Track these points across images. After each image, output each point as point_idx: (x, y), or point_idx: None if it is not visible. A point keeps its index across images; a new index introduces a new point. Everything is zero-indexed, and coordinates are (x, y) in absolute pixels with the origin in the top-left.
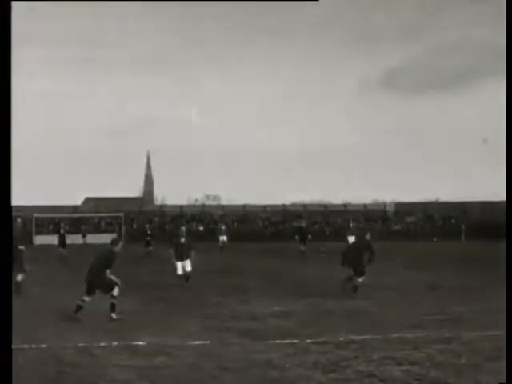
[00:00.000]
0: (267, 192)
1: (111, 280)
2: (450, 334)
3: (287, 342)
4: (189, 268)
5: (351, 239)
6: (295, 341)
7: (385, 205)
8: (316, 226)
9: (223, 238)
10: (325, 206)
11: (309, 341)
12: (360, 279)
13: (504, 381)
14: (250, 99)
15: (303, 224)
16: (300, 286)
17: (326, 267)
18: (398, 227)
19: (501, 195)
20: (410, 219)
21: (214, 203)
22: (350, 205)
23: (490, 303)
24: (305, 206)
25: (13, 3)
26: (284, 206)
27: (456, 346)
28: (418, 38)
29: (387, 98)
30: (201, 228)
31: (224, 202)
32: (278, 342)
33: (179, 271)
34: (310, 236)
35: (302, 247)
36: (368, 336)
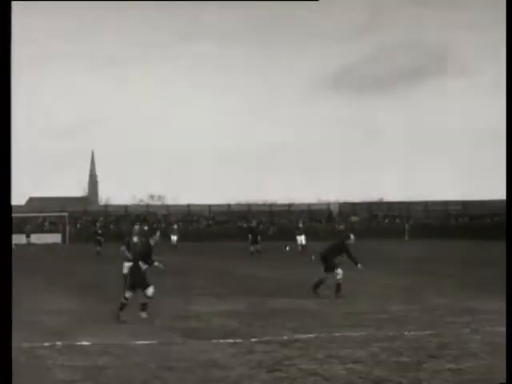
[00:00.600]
0: (212, 192)
1: (146, 277)
2: (393, 333)
3: (231, 341)
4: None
5: (300, 238)
6: (239, 340)
7: (329, 205)
8: (260, 226)
9: (175, 237)
10: (269, 205)
11: (253, 340)
12: (338, 275)
13: (504, 380)
14: (199, 100)
15: (254, 224)
16: (245, 285)
17: (272, 266)
18: (342, 227)
19: (443, 195)
20: (354, 219)
21: (159, 203)
22: (294, 205)
23: (431, 301)
24: (249, 205)
25: (13, 3)
26: (229, 205)
27: (399, 344)
28: (367, 38)
29: (335, 97)
30: (145, 228)
31: (168, 201)
32: (222, 341)
33: (125, 270)
34: (259, 237)
35: (253, 248)
36: (312, 335)
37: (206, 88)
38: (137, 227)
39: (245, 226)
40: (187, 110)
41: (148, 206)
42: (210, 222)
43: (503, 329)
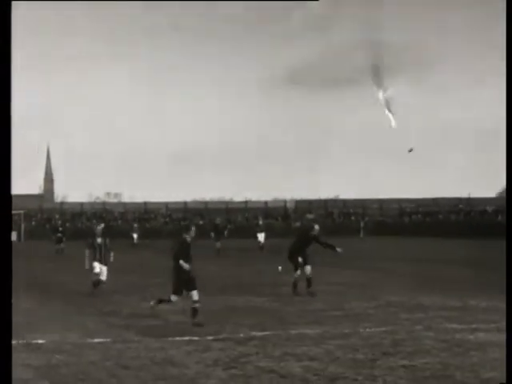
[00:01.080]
0: (169, 189)
1: (191, 277)
2: (348, 330)
3: (187, 339)
4: (104, 277)
5: (260, 236)
6: (196, 338)
7: (285, 202)
8: (227, 224)
9: (135, 235)
10: (226, 203)
11: (209, 338)
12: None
13: (504, 380)
14: (158, 97)
15: (218, 221)
16: (202, 282)
17: (230, 264)
18: (298, 224)
19: (397, 193)
20: (309, 216)
21: (115, 201)
22: (250, 202)
23: (386, 298)
24: (206, 203)
25: (13, 3)
26: (185, 203)
27: (354, 341)
28: (321, 37)
29: (291, 95)
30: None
31: (125, 199)
32: (178, 339)
33: (97, 270)
34: (226, 233)
35: (218, 244)
36: (269, 332)
37: (165, 85)
38: (99, 228)
39: (201, 223)
40: (144, 107)
41: (104, 203)
42: (167, 219)
43: (456, 325)
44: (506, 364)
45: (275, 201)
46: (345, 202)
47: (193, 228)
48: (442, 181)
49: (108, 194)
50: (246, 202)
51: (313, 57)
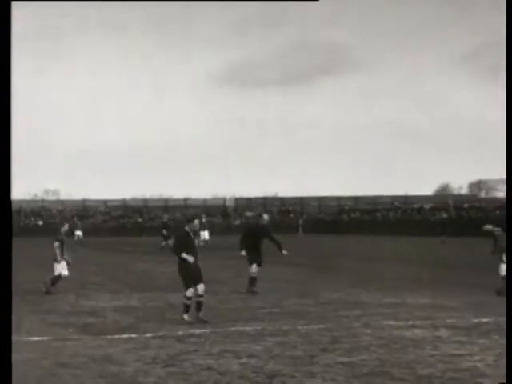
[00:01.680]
0: (108, 187)
1: (197, 270)
2: (287, 327)
3: (126, 336)
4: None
5: (203, 234)
6: (134, 335)
7: (225, 200)
8: (156, 221)
9: (79, 232)
10: (165, 200)
11: (148, 335)
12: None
13: (505, 380)
14: (94, 94)
15: (165, 219)
16: (141, 280)
17: (170, 261)
18: (237, 222)
19: (336, 190)
20: (249, 214)
21: (54, 198)
22: (190, 199)
23: (325, 296)
24: (145, 200)
25: (13, 3)
26: (124, 200)
27: (292, 338)
28: (266, 35)
29: (232, 92)
30: (40, 223)
31: (63, 196)
32: (117, 336)
33: (62, 269)
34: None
35: (164, 243)
36: (207, 330)
37: (102, 86)
38: (66, 226)
39: (140, 220)
40: (81, 104)
41: (43, 200)
42: (107, 217)
43: (393, 322)
44: (506, 364)
45: (214, 198)
46: (283, 199)
47: (196, 221)
48: (380, 179)
49: (46, 191)
50: (185, 200)
51: (252, 55)
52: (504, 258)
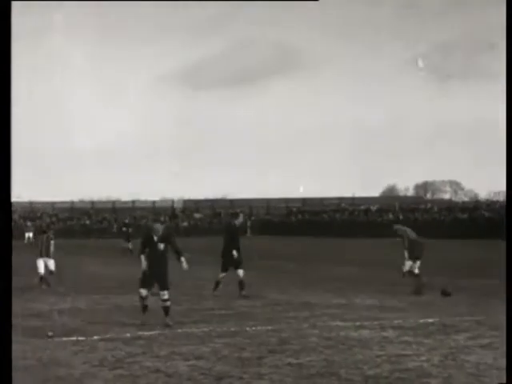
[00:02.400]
0: (55, 189)
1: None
2: (235, 328)
3: (73, 339)
4: (52, 268)
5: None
6: (82, 338)
7: (173, 201)
8: (104, 223)
9: (30, 234)
10: (113, 202)
11: (96, 338)
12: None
13: (504, 381)
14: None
15: (128, 221)
16: (88, 282)
17: (117, 263)
18: (185, 224)
19: (284, 192)
20: (197, 216)
21: None
22: (138, 201)
23: (273, 297)
24: (93, 202)
25: (13, 3)
26: (72, 202)
27: (240, 339)
28: (215, 36)
29: (181, 93)
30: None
31: (12, 198)
32: (64, 339)
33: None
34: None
35: (127, 245)
36: (155, 332)
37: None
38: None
39: (87, 222)
40: (27, 104)
41: None
42: (54, 219)
43: (340, 323)
44: (506, 364)
45: (163, 200)
46: (232, 201)
47: (241, 215)
48: (327, 180)
49: None
50: (133, 202)
51: (201, 56)
52: (407, 255)
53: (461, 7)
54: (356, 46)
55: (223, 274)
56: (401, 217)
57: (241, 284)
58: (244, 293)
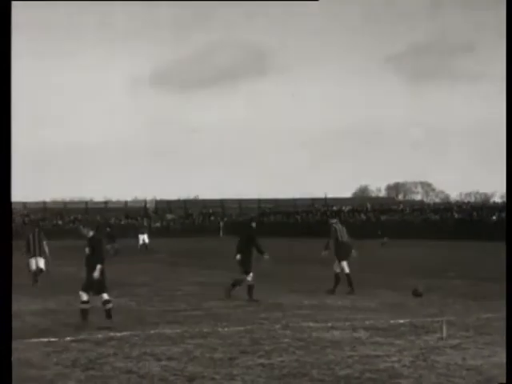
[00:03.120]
0: (27, 189)
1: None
2: (207, 329)
3: (46, 340)
4: (42, 266)
5: (143, 237)
6: (54, 339)
7: (145, 202)
8: (76, 224)
9: None
10: (85, 202)
11: (68, 339)
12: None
13: (505, 381)
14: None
15: (112, 221)
16: (60, 283)
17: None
18: (158, 224)
19: (257, 193)
20: (169, 216)
21: None
22: (110, 202)
23: (245, 298)
24: (65, 203)
25: (13, 3)
26: (44, 203)
27: (213, 340)
28: (187, 37)
29: (154, 94)
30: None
31: None
32: (36, 340)
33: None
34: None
35: (116, 245)
36: (127, 333)
37: (22, 82)
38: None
39: (60, 223)
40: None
41: None
42: (26, 219)
43: (312, 324)
44: (506, 364)
45: (135, 201)
46: (204, 202)
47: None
48: (299, 182)
49: None
50: (105, 202)
51: (175, 58)
52: (334, 255)
53: (436, 9)
54: (329, 48)
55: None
56: (372, 217)
57: (250, 288)
58: (254, 297)
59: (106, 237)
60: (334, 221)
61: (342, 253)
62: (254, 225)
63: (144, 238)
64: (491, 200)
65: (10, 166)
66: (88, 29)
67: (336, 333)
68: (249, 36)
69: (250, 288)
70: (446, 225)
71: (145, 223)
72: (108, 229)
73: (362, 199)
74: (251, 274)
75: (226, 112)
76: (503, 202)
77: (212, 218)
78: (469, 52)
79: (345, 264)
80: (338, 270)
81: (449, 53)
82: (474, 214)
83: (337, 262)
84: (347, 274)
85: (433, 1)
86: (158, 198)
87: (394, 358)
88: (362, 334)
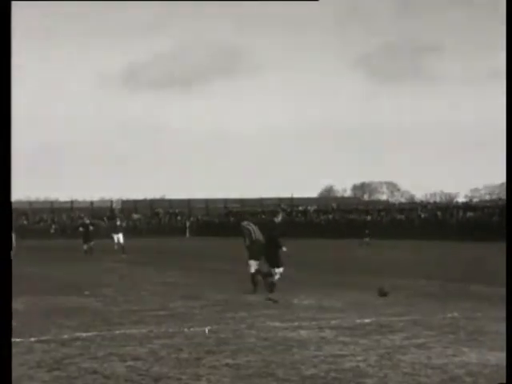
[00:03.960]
0: None
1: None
2: (173, 329)
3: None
4: None
5: (117, 237)
6: (18, 340)
7: (111, 202)
8: (41, 224)
9: None
10: (51, 203)
11: (33, 339)
12: (277, 271)
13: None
14: None
15: (87, 221)
16: (24, 283)
17: (55, 265)
18: (124, 224)
19: (223, 193)
20: (135, 216)
21: None
22: (76, 202)
23: (211, 297)
24: (30, 203)
25: (13, 3)
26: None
27: (178, 340)
28: (162, 35)
29: (121, 94)
30: None
31: None
32: None
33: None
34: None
35: (86, 246)
36: (93, 333)
37: None
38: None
39: (25, 223)
40: None
41: None
42: None
43: (278, 323)
44: (506, 364)
45: (101, 201)
46: (171, 201)
47: (281, 213)
48: (266, 181)
49: None
50: (71, 202)
51: (140, 57)
52: (248, 255)
53: (404, 10)
54: (298, 48)
55: (273, 269)
56: (338, 217)
57: (271, 285)
58: (271, 296)
59: (81, 236)
60: (246, 223)
61: (257, 252)
62: (278, 219)
63: (119, 237)
64: (454, 200)
65: (10, 166)
66: (58, 26)
67: (302, 332)
68: (220, 36)
69: (272, 285)
70: (412, 224)
71: (118, 223)
72: (81, 229)
73: (327, 199)
74: (281, 269)
75: (194, 112)
76: (467, 202)
77: (178, 217)
78: (435, 52)
79: (253, 263)
80: (253, 271)
81: (417, 53)
82: (439, 213)
83: (251, 261)
84: (252, 274)
85: (401, 2)
86: (125, 197)
87: (360, 358)
88: (327, 333)
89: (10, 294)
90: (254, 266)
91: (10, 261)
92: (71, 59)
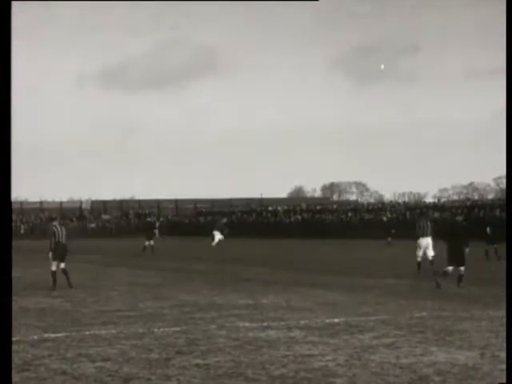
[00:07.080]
0: None
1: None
2: (143, 330)
3: None
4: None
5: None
6: None
7: (81, 202)
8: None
9: None
10: (20, 203)
11: None
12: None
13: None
14: None
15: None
16: None
17: (23, 266)
18: (93, 225)
19: (193, 193)
20: (105, 217)
21: None
22: (46, 202)
23: (180, 298)
24: None
25: (13, 3)
26: None
27: (148, 341)
28: (141, 36)
29: (98, 94)
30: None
31: None
32: None
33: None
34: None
35: (147, 243)
36: (62, 334)
37: None
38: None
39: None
40: None
41: None
42: None
43: (248, 324)
44: (506, 364)
45: (70, 201)
46: (140, 202)
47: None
48: (236, 181)
49: None
50: (40, 203)
51: (127, 56)
52: (51, 256)
53: (382, 11)
54: (276, 49)
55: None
56: (306, 217)
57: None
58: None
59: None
60: (55, 223)
61: (58, 253)
62: (459, 218)
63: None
64: (423, 200)
65: (10, 166)
66: (35, 25)
67: (271, 332)
68: (198, 37)
69: (460, 278)
70: (381, 224)
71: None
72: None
73: (297, 199)
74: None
75: (167, 112)
76: (435, 202)
77: (148, 218)
78: (413, 53)
79: (61, 264)
80: (53, 269)
81: (395, 54)
82: (408, 213)
83: (54, 261)
84: (63, 269)
85: (379, 3)
86: (94, 198)
87: (329, 357)
88: (297, 333)
89: (10, 294)
90: (54, 265)
91: (10, 261)
92: (48, 59)
